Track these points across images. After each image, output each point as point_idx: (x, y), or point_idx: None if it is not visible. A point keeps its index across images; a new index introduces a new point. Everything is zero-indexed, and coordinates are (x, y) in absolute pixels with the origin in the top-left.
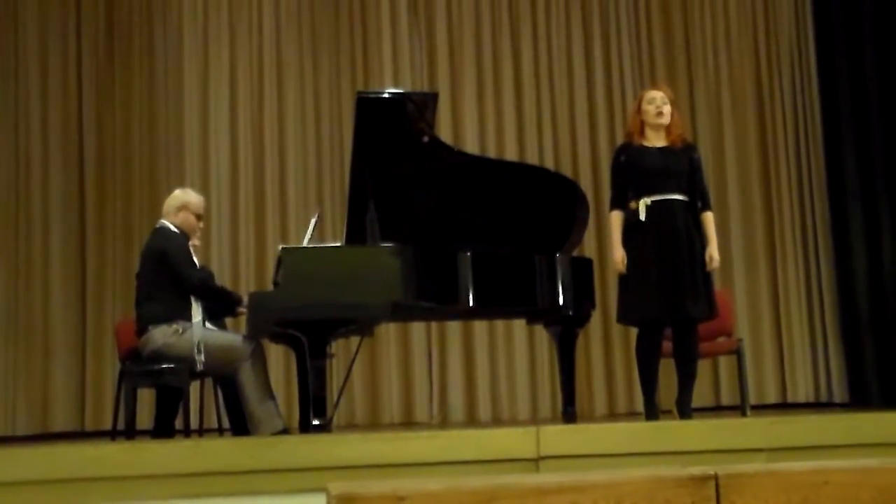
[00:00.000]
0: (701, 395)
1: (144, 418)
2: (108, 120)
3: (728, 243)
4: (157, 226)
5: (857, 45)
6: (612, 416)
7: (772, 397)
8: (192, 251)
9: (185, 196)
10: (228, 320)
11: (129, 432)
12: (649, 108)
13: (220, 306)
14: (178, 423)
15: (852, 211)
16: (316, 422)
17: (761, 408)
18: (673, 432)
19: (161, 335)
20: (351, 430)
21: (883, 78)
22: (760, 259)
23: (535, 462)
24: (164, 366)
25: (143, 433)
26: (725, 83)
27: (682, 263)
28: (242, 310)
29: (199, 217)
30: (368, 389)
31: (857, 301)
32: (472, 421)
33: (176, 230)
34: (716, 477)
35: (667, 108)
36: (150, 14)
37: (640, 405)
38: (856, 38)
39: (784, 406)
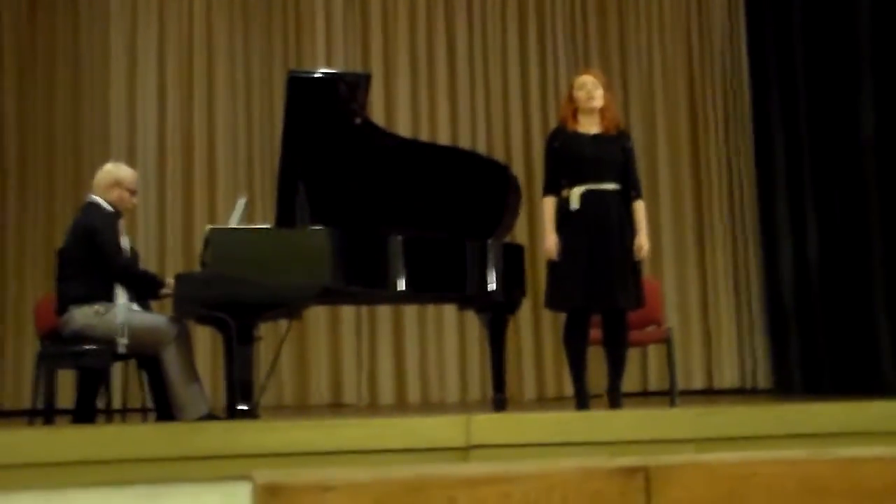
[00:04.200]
0: (630, 380)
1: (66, 396)
2: (30, 93)
3: (658, 231)
4: (88, 200)
5: (786, 34)
6: (542, 400)
7: (699, 383)
8: (120, 231)
9: (117, 171)
10: (154, 302)
11: (48, 414)
12: (580, 95)
13: (143, 290)
14: (101, 403)
15: (779, 200)
16: (242, 406)
17: (688, 393)
18: (603, 422)
19: (82, 316)
20: (279, 412)
21: (811, 70)
22: (690, 247)
23: (465, 451)
24: (85, 347)
25: (64, 412)
26: (658, 71)
27: (613, 253)
28: (167, 291)
29: (132, 192)
30: (297, 371)
31: (783, 290)
32: (401, 403)
33: (109, 208)
34: (646, 469)
35: (598, 92)
36: None
37: (569, 389)
38: (786, 26)
39: (710, 392)
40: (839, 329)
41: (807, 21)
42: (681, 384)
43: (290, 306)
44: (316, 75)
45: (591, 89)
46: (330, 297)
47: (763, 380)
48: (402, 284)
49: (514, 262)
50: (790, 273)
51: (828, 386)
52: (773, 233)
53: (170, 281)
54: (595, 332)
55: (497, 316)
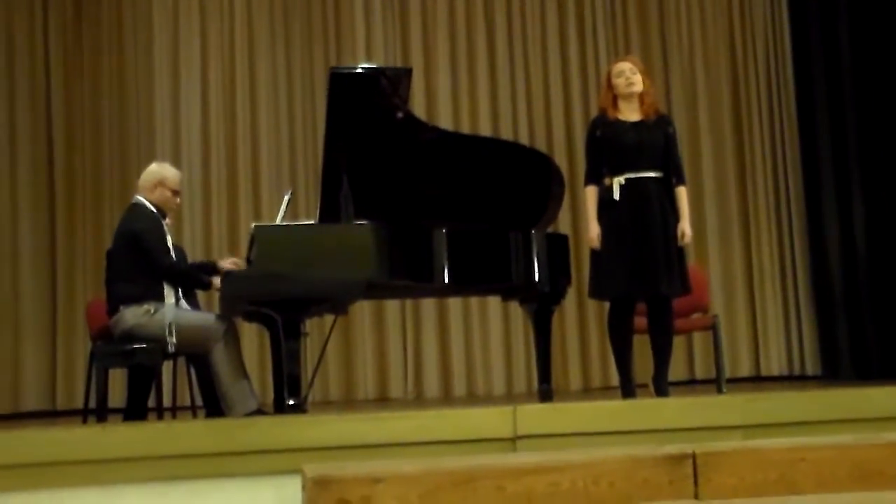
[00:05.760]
0: (675, 369)
1: (117, 396)
2: (77, 96)
3: (702, 218)
4: (133, 202)
5: (831, 16)
6: (587, 390)
7: (746, 370)
8: (166, 231)
9: (161, 171)
10: (202, 297)
11: (101, 412)
12: (619, 82)
13: (192, 286)
14: (151, 402)
15: (826, 185)
16: (291, 401)
17: (735, 381)
18: (650, 410)
19: (132, 315)
20: (326, 408)
21: (857, 52)
22: (734, 233)
23: (513, 441)
24: (135, 346)
25: (116, 412)
26: (699, 56)
27: (656, 240)
28: (216, 280)
29: (175, 192)
30: (343, 366)
31: (830, 275)
32: (447, 396)
33: (152, 208)
34: (693, 456)
35: (636, 78)
36: None
37: (614, 379)
38: (830, 8)
39: (758, 379)
40: (888, 313)
41: (851, 2)
42: (728, 372)
43: (335, 301)
44: (357, 71)
45: (630, 75)
46: (375, 291)
47: (811, 366)
48: (447, 277)
49: (558, 252)
50: (837, 257)
51: (877, 371)
52: (819, 216)
53: (216, 281)
54: (640, 321)
55: (542, 306)
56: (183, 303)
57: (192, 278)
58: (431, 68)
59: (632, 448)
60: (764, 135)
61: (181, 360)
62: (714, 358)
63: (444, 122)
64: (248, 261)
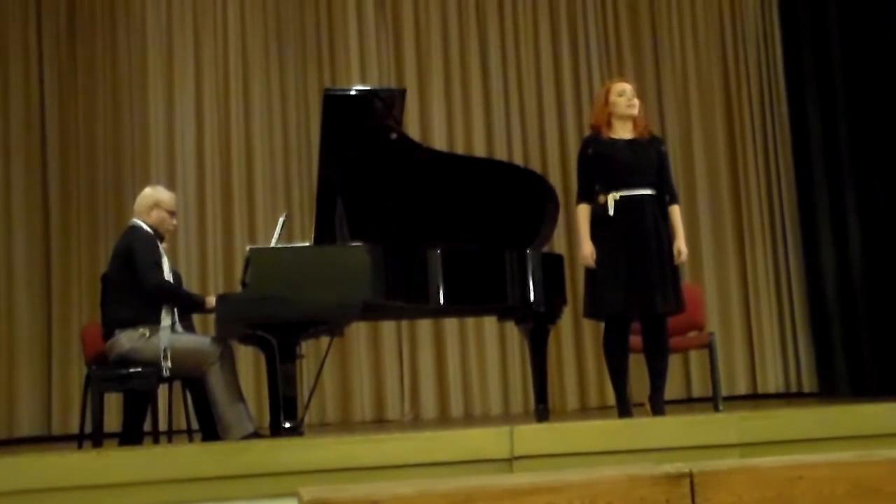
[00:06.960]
0: (672, 387)
1: (112, 420)
2: (72, 120)
3: (697, 236)
4: (130, 224)
5: (822, 34)
6: (584, 410)
7: (742, 388)
8: (162, 253)
9: (156, 194)
10: (198, 320)
11: (97, 437)
12: (619, 100)
13: (183, 306)
14: (147, 426)
15: (820, 202)
16: (287, 424)
17: (732, 399)
18: (646, 429)
19: (127, 339)
20: (322, 430)
21: (848, 69)
22: (729, 252)
23: (510, 462)
24: (131, 370)
25: (111, 436)
26: (693, 76)
27: (650, 259)
28: (210, 299)
29: (171, 213)
30: (340, 388)
31: (826, 292)
32: (443, 418)
33: (149, 230)
34: (690, 474)
35: (636, 101)
36: (112, 10)
37: (611, 399)
38: (821, 26)
39: (754, 397)
40: (883, 329)
41: (842, 19)
42: (724, 390)
43: (331, 323)
44: (351, 93)
45: (631, 96)
46: (371, 312)
47: (808, 383)
48: (442, 298)
49: (553, 272)
50: (832, 274)
51: (873, 387)
52: (814, 234)
53: (210, 299)
54: (636, 340)
55: (538, 326)
56: (178, 326)
57: (183, 297)
58: (425, 88)
59: (629, 467)
60: (758, 152)
61: (177, 384)
62: (710, 376)
63: (439, 141)
64: (244, 283)
